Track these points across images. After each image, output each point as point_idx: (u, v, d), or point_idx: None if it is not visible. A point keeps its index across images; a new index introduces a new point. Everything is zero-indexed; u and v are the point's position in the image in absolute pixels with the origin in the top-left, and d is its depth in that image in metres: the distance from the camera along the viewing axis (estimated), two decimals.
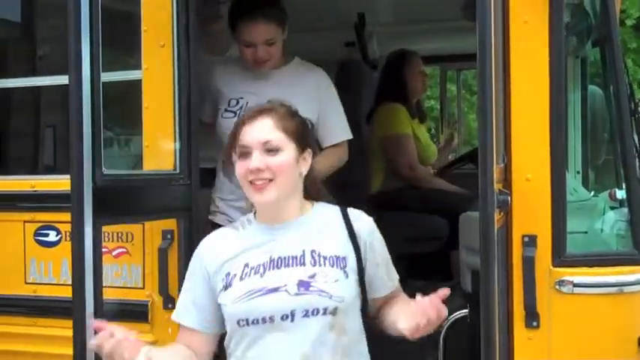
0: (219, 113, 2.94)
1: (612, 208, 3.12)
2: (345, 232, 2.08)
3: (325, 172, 2.80)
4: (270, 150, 2.02)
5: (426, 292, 3.65)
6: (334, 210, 2.14)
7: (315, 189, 2.16)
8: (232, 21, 2.88)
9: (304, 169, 2.10)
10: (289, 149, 2.04)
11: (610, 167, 3.74)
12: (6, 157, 3.61)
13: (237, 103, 2.92)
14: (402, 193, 4.29)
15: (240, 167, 2.03)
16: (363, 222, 2.12)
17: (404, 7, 4.56)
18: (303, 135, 2.11)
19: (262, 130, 2.03)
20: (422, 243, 4.09)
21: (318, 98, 2.93)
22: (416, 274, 3.93)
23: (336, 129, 3.00)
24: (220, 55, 3.33)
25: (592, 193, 3.70)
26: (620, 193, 3.24)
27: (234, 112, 2.89)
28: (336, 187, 3.13)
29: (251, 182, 2.01)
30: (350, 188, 3.24)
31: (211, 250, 2.10)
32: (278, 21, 2.86)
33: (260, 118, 2.05)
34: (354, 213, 2.14)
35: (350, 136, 3.03)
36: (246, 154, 2.02)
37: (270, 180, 2.00)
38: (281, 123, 2.05)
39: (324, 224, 2.09)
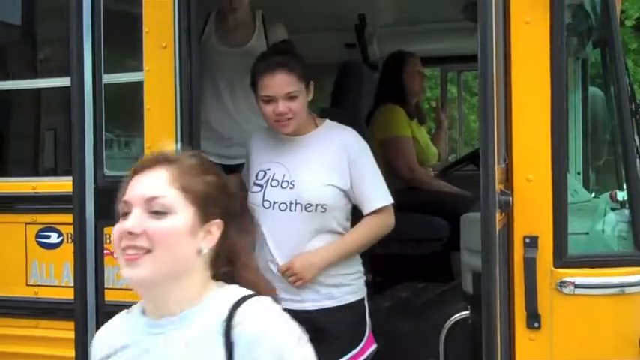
0: (249, 188, 2.74)
1: (613, 209, 3.13)
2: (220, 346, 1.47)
3: (368, 243, 2.75)
4: (156, 212, 1.50)
5: (427, 294, 3.67)
6: (223, 305, 1.52)
7: (250, 278, 1.63)
8: (253, 78, 2.73)
9: (205, 246, 1.55)
10: (183, 215, 1.52)
11: (610, 168, 3.75)
12: (7, 159, 3.61)
13: (265, 175, 2.71)
14: (402, 194, 4.27)
15: (115, 230, 1.53)
16: (246, 328, 1.47)
17: (404, 8, 4.57)
18: (215, 201, 1.58)
19: (151, 185, 1.53)
20: (423, 244, 4.09)
21: (348, 161, 2.69)
22: (417, 275, 3.94)
23: (373, 194, 2.74)
24: (240, 48, 3.35)
25: (593, 194, 3.71)
26: (621, 195, 3.25)
27: (261, 186, 2.70)
28: None
29: (123, 249, 1.50)
30: None
31: (99, 340, 1.65)
32: (299, 74, 2.68)
33: (155, 168, 1.56)
34: (242, 313, 1.49)
35: (391, 201, 2.79)
36: (126, 214, 1.52)
37: (148, 251, 1.48)
38: (181, 179, 1.55)
39: (197, 332, 1.51)
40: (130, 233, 1.48)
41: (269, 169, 2.71)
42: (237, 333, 1.46)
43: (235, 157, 3.14)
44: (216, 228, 1.56)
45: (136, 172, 1.57)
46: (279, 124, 2.67)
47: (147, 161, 1.58)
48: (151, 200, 1.51)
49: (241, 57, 3.16)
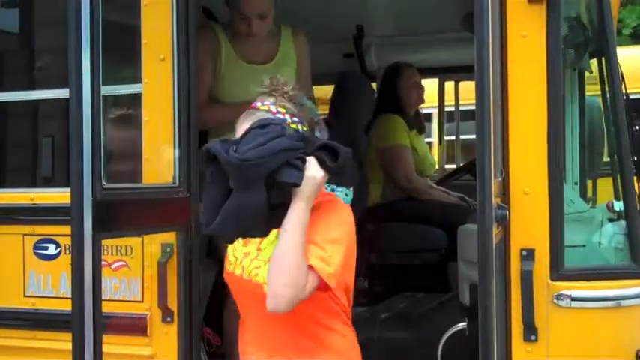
0: None
1: (610, 219, 3.13)
2: None
3: None
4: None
5: (425, 305, 3.67)
6: None
7: None
8: None
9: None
10: None
11: (607, 179, 3.75)
12: (5, 170, 3.61)
13: None
14: (401, 204, 4.30)
15: None
16: None
17: (402, 19, 4.58)
18: None
19: None
20: (420, 255, 4.10)
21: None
22: (415, 286, 3.94)
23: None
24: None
25: (589, 204, 3.72)
26: (618, 205, 3.25)
27: None
28: None
29: None
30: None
31: None
32: None
33: None
34: None
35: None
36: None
37: None
38: None
39: None
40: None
41: None
42: None
43: None
44: None
45: None
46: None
47: None
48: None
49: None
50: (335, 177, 2.07)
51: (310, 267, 1.97)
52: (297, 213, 1.99)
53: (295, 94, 2.15)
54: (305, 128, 2.13)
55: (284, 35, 3.26)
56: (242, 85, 3.01)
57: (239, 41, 3.16)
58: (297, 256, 1.95)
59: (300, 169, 1.98)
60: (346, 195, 2.74)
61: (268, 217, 1.98)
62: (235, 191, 1.96)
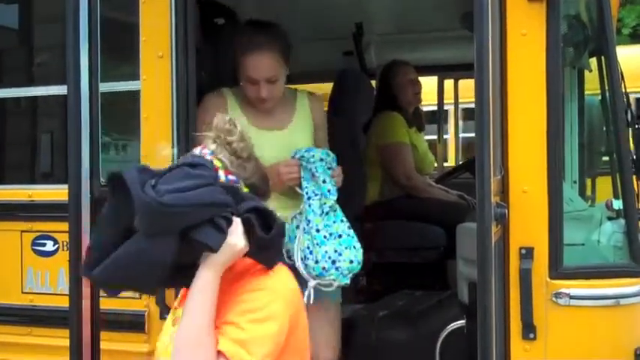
0: None
1: (609, 218, 3.13)
2: None
3: None
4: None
5: (423, 303, 3.67)
6: None
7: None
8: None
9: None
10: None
11: (606, 177, 3.75)
12: (3, 167, 3.61)
13: None
14: (400, 202, 4.30)
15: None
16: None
17: (401, 16, 4.57)
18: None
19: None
20: (419, 253, 4.10)
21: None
22: (413, 284, 3.94)
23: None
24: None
25: (588, 202, 3.72)
26: (617, 204, 3.25)
27: None
28: None
29: None
30: (347, 197, 3.23)
31: None
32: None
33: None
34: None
35: None
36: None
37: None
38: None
39: None
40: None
41: None
42: None
43: None
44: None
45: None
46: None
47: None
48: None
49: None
50: (258, 251, 1.70)
51: (220, 353, 1.58)
52: (202, 283, 1.63)
53: (243, 146, 1.77)
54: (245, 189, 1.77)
55: (300, 101, 3.02)
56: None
57: (250, 106, 2.90)
58: (200, 339, 1.58)
59: (223, 232, 1.64)
60: (328, 191, 2.72)
61: (166, 276, 1.63)
62: (138, 235, 1.59)
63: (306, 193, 2.74)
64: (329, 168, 2.75)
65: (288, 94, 3.00)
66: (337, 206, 2.76)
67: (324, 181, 2.73)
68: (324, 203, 2.73)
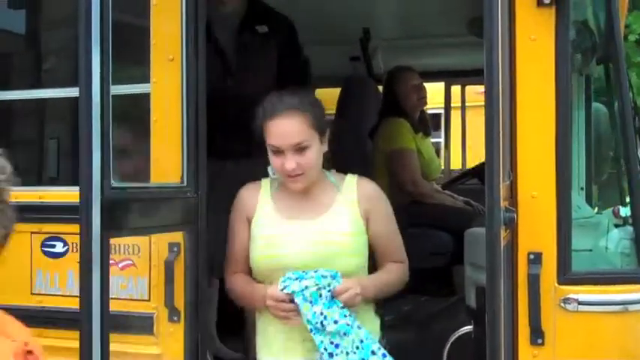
0: None
1: (616, 225, 3.13)
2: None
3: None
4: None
5: (430, 308, 3.67)
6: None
7: None
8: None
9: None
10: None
11: (614, 184, 3.76)
12: (13, 168, 3.62)
13: None
14: (406, 208, 4.29)
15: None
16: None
17: (408, 22, 4.59)
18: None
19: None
20: (426, 258, 4.09)
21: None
22: (420, 289, 3.93)
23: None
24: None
25: (595, 209, 3.72)
26: (624, 211, 3.25)
27: None
28: None
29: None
30: None
31: None
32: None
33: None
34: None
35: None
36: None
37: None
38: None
39: None
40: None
41: None
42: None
43: None
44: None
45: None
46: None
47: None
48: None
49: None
50: None
51: None
52: None
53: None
54: None
55: (347, 186, 2.48)
56: (274, 247, 2.42)
57: (284, 193, 2.49)
58: None
59: None
60: (335, 322, 2.25)
61: None
62: None
63: (311, 330, 2.26)
64: (329, 291, 2.26)
65: (335, 179, 2.50)
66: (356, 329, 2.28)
67: (323, 314, 2.25)
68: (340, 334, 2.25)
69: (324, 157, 2.45)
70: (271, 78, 3.33)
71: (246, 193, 2.56)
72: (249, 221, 2.51)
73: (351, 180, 2.50)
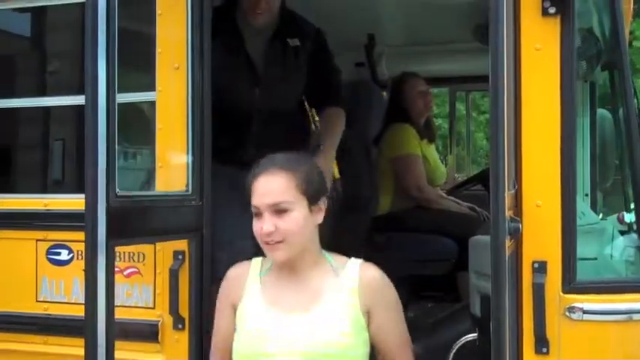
0: None
1: (621, 232, 3.13)
2: None
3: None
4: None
5: (435, 315, 3.67)
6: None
7: None
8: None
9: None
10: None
11: (618, 190, 3.76)
12: (19, 176, 3.63)
13: None
14: (411, 214, 4.31)
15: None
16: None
17: (413, 28, 4.59)
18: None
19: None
20: (431, 265, 4.10)
21: None
22: (425, 296, 3.94)
23: None
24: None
25: (600, 216, 3.71)
26: (629, 217, 3.25)
27: None
28: (345, 208, 3.16)
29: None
30: (358, 209, 3.24)
31: None
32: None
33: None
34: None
35: None
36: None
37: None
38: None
39: None
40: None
41: None
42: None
43: None
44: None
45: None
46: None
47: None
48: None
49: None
50: None
51: None
52: None
53: None
54: None
55: (347, 273, 2.21)
56: (258, 345, 2.14)
57: (275, 280, 2.25)
58: None
59: None
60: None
61: None
62: None
63: None
64: None
65: (334, 262, 2.24)
66: None
67: None
68: None
69: (320, 237, 2.22)
70: (300, 91, 3.36)
71: (233, 274, 2.32)
72: (234, 309, 2.27)
73: (354, 265, 2.22)
